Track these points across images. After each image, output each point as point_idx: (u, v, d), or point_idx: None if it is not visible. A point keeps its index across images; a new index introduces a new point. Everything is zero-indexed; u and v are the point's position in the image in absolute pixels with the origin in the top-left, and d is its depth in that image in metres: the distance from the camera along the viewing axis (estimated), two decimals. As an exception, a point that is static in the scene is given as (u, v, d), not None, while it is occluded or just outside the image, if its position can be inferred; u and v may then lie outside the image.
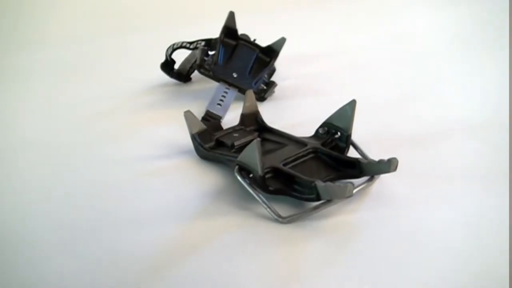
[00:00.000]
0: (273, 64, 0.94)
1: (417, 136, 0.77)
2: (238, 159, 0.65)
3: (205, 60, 0.91)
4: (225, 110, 0.86)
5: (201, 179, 0.71)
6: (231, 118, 0.85)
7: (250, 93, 0.80)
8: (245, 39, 0.95)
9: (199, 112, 0.89)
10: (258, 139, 0.62)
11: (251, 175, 0.64)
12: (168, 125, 0.86)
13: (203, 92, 0.97)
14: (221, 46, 0.92)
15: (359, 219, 0.61)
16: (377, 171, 0.64)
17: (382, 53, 1.02)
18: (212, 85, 0.98)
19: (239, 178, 0.64)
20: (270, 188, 0.63)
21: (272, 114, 0.82)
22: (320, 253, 0.57)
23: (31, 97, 0.99)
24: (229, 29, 0.93)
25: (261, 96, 0.90)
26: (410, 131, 0.79)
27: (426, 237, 0.58)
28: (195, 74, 0.99)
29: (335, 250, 0.57)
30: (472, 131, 0.77)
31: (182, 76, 1.00)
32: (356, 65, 0.99)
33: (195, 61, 0.98)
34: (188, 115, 0.77)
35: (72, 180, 0.73)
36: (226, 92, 0.88)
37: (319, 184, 0.60)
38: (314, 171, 0.66)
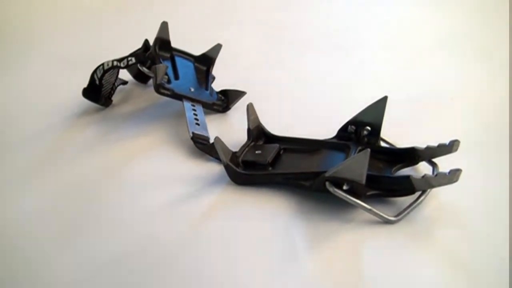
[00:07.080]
0: (211, 72, 0.90)
1: (412, 115, 0.83)
2: (333, 174, 0.63)
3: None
4: (205, 128, 0.79)
5: (268, 206, 0.67)
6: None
7: (251, 106, 0.77)
8: (178, 49, 0.88)
9: (156, 137, 0.80)
10: (368, 149, 0.62)
11: (344, 187, 0.64)
12: (157, 157, 0.76)
13: (139, 113, 0.88)
14: (163, 61, 0.83)
15: (455, 200, 0.66)
16: (437, 154, 0.69)
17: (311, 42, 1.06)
18: (141, 105, 0.89)
19: (339, 193, 0.63)
20: (368, 194, 0.65)
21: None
22: (457, 239, 0.61)
23: None
24: (163, 41, 0.85)
25: (225, 107, 0.86)
26: (400, 111, 0.80)
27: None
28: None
29: (468, 230, 0.62)
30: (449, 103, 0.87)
31: (107, 100, 0.86)
32: (280, 60, 1.00)
33: (115, 81, 0.87)
34: (218, 141, 0.70)
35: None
36: (194, 110, 0.81)
37: (414, 177, 0.64)
38: (376, 168, 0.70)
